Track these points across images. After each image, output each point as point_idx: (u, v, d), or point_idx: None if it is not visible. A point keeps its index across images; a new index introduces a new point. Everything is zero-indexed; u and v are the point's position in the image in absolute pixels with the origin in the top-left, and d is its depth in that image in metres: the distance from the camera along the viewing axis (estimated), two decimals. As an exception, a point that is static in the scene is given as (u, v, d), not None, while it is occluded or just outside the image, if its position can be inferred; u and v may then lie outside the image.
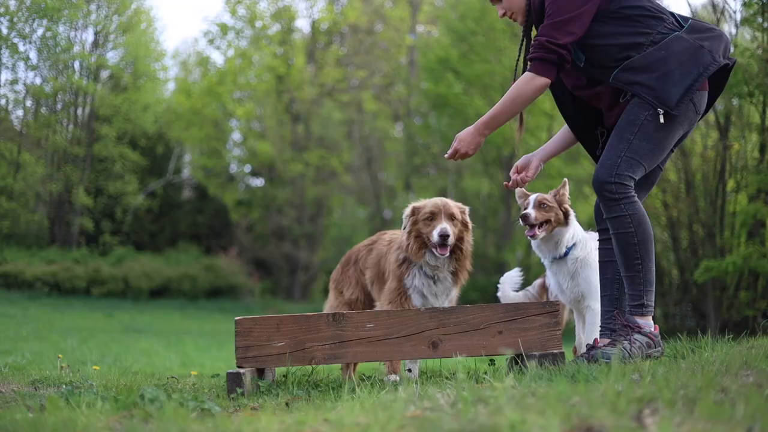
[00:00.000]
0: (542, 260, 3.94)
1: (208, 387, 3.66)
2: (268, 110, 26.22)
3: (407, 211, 3.90)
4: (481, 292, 17.93)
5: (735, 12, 13.57)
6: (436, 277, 3.86)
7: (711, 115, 13.86)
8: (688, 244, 14.06)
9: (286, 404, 2.88)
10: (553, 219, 3.76)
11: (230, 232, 26.64)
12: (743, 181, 12.87)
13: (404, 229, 3.87)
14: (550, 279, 3.97)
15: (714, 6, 14.38)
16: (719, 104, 13.45)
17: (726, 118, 13.11)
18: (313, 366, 3.54)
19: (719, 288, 12.54)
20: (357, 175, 27.37)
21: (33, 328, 11.63)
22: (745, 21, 11.12)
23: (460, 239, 3.79)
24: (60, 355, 6.05)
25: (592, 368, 2.81)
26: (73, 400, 2.61)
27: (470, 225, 3.89)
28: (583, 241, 3.83)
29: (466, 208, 3.92)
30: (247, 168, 27.96)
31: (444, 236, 3.68)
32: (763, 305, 11.29)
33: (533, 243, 3.87)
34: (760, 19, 10.05)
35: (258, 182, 27.69)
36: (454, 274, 3.91)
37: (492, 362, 3.68)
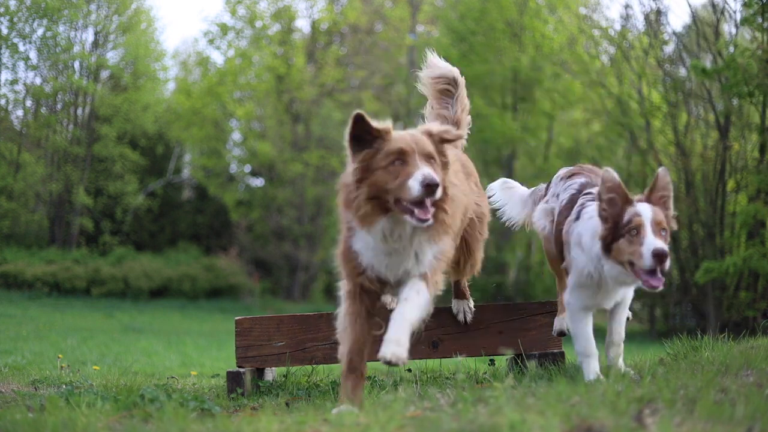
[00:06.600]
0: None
1: (208, 387, 3.66)
2: (268, 110, 26.20)
3: (347, 136, 2.54)
4: (481, 292, 17.91)
5: (735, 12, 13.58)
6: (394, 249, 2.55)
7: (711, 115, 13.86)
8: (688, 244, 14.05)
9: (286, 404, 2.88)
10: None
11: (230, 232, 26.62)
12: (743, 181, 12.87)
13: (352, 172, 2.53)
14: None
15: (714, 6, 14.39)
16: (719, 104, 13.45)
17: (726, 118, 13.10)
18: (313, 366, 3.54)
19: (719, 288, 12.53)
20: (357, 175, 27.31)
21: (33, 328, 11.61)
22: (745, 21, 11.14)
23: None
24: (60, 355, 6.05)
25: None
26: (73, 400, 2.61)
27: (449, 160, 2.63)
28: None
29: (444, 130, 2.66)
30: (247, 168, 27.93)
31: (431, 185, 2.37)
32: (763, 305, 11.30)
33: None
34: (759, 19, 10.05)
35: (258, 182, 27.66)
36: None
37: (492, 362, 3.68)
